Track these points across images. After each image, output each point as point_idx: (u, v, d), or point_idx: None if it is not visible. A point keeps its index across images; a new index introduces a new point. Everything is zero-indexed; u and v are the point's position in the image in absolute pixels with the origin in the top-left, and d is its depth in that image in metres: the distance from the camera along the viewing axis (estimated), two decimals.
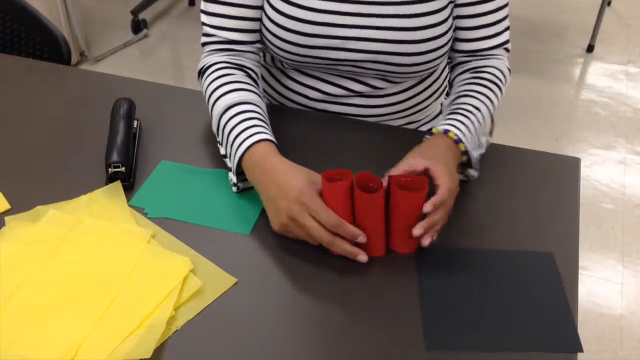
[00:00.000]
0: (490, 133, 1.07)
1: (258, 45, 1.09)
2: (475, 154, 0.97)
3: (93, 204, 0.94)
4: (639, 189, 2.22)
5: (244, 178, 0.95)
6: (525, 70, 2.80)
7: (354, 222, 0.86)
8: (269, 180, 0.89)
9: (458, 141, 0.95)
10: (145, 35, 3.04)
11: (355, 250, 0.86)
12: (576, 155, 1.06)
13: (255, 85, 1.04)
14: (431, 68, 1.09)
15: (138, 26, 3.03)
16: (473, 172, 0.98)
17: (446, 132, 0.95)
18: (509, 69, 1.12)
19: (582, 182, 1.02)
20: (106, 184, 0.97)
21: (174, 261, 0.85)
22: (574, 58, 2.92)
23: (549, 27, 3.13)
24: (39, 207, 0.93)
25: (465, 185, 0.99)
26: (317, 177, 0.87)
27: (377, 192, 0.83)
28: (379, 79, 1.11)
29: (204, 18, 1.07)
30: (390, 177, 0.86)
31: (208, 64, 1.06)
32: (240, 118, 0.95)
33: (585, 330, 0.80)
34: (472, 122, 0.99)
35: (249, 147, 0.92)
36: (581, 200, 0.99)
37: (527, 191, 0.99)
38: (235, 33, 1.06)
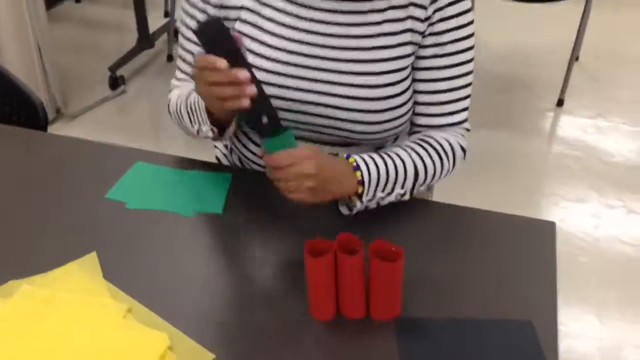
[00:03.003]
0: (411, 192, 1.07)
1: None
2: (378, 194, 1.00)
3: (68, 277, 0.92)
4: (612, 242, 2.25)
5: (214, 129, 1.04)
6: (496, 123, 2.85)
7: (337, 289, 0.87)
8: None
9: (356, 168, 0.98)
10: (123, 91, 3.05)
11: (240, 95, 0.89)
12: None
13: None
14: (388, 137, 1.10)
15: (116, 82, 3.04)
16: (359, 204, 1.01)
17: (348, 157, 0.99)
18: (463, 148, 1.11)
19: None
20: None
21: (151, 337, 0.84)
22: (544, 112, 2.98)
23: (520, 81, 3.21)
24: (11, 282, 0.91)
25: (440, 250, 1.00)
26: None
27: (356, 255, 0.84)
28: (337, 145, 1.11)
29: (176, 72, 1.19)
30: (370, 246, 0.87)
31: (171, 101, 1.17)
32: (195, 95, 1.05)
33: None
34: (387, 165, 1.01)
35: None
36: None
37: (502, 256, 1.00)
38: None
